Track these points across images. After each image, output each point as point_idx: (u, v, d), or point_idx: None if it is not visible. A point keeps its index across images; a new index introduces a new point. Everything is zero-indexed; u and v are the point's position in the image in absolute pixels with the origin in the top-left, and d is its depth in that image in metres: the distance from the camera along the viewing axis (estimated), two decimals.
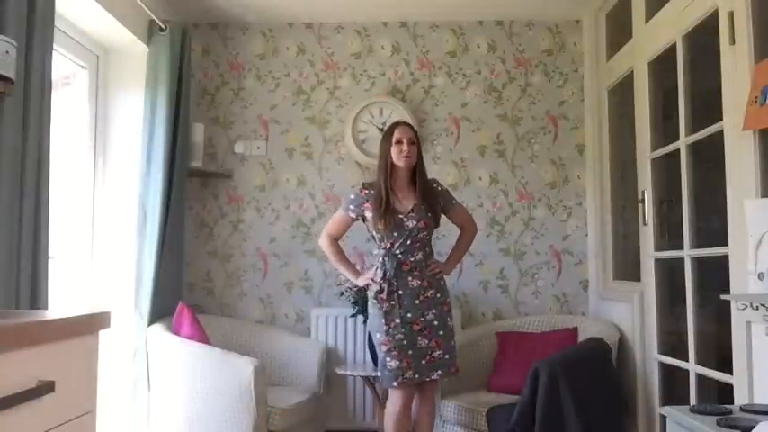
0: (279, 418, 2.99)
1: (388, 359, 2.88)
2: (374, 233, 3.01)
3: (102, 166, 3.43)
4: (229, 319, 3.84)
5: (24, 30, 2.19)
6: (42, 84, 2.27)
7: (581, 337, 3.42)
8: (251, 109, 4.10)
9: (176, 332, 3.21)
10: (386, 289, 2.90)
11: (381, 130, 3.97)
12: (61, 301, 2.98)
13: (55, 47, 2.42)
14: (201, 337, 3.22)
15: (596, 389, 2.95)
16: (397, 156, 2.95)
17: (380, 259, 2.96)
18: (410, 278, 2.92)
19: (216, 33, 4.13)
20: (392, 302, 2.91)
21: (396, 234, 2.92)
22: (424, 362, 2.88)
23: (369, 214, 2.98)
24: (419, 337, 2.88)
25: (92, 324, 1.40)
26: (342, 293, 3.75)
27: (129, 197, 3.42)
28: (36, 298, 2.25)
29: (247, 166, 4.07)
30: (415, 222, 2.92)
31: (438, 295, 2.95)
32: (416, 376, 2.87)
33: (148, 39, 3.47)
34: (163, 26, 3.46)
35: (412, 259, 2.93)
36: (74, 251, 3.21)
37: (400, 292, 2.91)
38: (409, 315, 2.89)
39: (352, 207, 3.05)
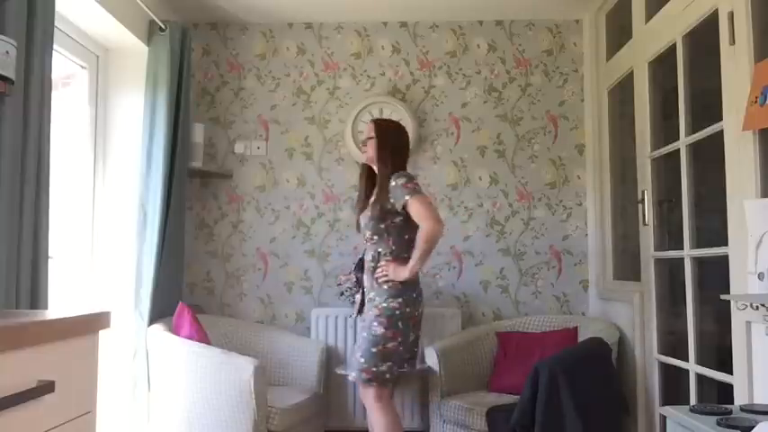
0: (279, 418, 2.99)
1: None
2: None
3: (103, 166, 3.43)
4: (229, 319, 3.84)
5: (24, 30, 2.19)
6: (42, 84, 2.27)
7: (581, 337, 3.42)
8: (251, 109, 4.10)
9: (176, 332, 3.21)
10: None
11: None
12: (61, 301, 2.98)
13: (55, 47, 2.42)
14: (202, 337, 3.22)
15: (596, 389, 2.95)
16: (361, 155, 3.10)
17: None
18: (366, 277, 3.00)
19: (216, 33, 4.13)
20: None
21: (360, 233, 3.05)
22: (353, 359, 2.93)
23: None
24: (359, 334, 2.97)
25: (92, 324, 1.40)
26: (342, 294, 3.75)
27: (129, 197, 3.42)
28: (36, 298, 2.25)
29: (247, 166, 4.07)
30: (364, 222, 2.98)
31: (376, 298, 2.88)
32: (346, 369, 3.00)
33: (148, 39, 3.47)
34: (163, 26, 3.46)
35: (367, 258, 2.99)
36: (74, 251, 3.21)
37: (363, 288, 3.03)
38: (361, 314, 3.02)
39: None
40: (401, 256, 2.88)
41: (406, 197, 2.82)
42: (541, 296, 3.98)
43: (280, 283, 4.01)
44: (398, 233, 2.90)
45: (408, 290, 2.87)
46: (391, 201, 2.86)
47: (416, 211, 2.81)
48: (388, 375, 2.82)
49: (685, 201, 2.76)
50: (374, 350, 2.81)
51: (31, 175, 2.22)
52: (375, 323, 2.83)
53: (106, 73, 3.46)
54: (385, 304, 2.84)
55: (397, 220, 2.89)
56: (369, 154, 3.00)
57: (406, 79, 4.09)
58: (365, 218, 2.95)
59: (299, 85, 4.10)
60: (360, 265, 3.05)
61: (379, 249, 2.91)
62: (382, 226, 2.88)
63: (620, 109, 3.70)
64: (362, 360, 2.82)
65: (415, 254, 2.80)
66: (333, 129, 4.08)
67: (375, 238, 2.90)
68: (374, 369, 2.81)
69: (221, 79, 4.12)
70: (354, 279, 3.62)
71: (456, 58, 4.10)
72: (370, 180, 3.04)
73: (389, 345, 2.82)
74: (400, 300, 2.84)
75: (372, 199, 2.94)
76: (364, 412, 3.82)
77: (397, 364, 2.84)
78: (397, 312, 2.83)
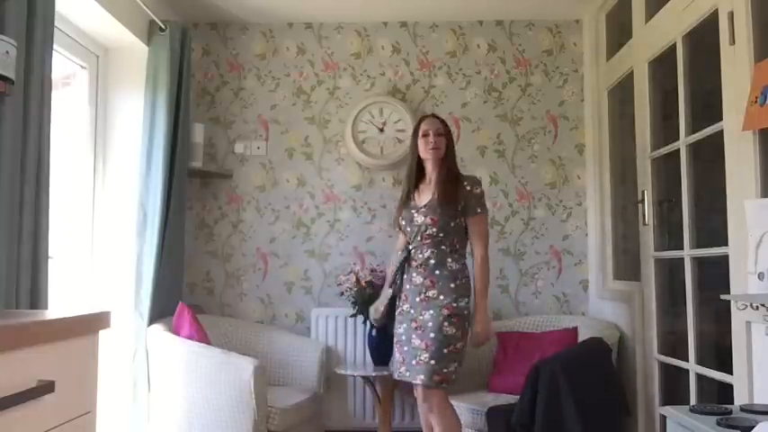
0: (279, 418, 2.99)
1: (394, 350, 2.92)
2: None
3: (103, 166, 3.43)
4: (229, 319, 3.84)
5: (24, 30, 2.19)
6: (42, 84, 2.27)
7: (581, 337, 3.42)
8: (251, 109, 4.10)
9: (176, 332, 3.21)
10: (398, 283, 2.93)
11: (381, 130, 3.99)
12: (61, 301, 2.98)
13: (55, 47, 2.42)
14: (201, 337, 3.22)
15: (596, 389, 2.95)
16: (424, 149, 2.89)
17: (398, 253, 2.98)
18: (415, 274, 2.86)
19: (216, 33, 4.13)
20: (401, 296, 2.93)
21: (408, 229, 2.90)
22: (414, 362, 2.77)
23: None
24: (413, 335, 2.80)
25: (92, 324, 1.40)
26: (342, 293, 3.75)
27: (129, 197, 3.42)
28: (36, 298, 2.25)
29: (247, 166, 4.07)
30: (422, 218, 2.84)
31: (441, 297, 2.79)
32: (408, 374, 2.80)
33: (148, 39, 3.47)
34: (163, 26, 3.46)
35: (420, 256, 2.85)
36: (74, 251, 3.21)
37: (407, 286, 2.89)
38: (412, 311, 2.84)
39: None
40: (464, 257, 2.89)
41: (479, 210, 2.88)
42: (541, 296, 3.97)
43: (280, 283, 4.01)
44: (462, 234, 2.90)
45: (470, 289, 2.87)
46: (462, 203, 2.86)
47: (480, 228, 2.89)
48: (454, 376, 2.77)
49: (685, 201, 2.76)
50: (446, 351, 2.73)
51: (31, 175, 2.22)
52: (446, 323, 2.74)
53: (106, 73, 3.46)
54: (455, 304, 2.78)
55: (461, 221, 2.88)
56: (441, 150, 2.90)
57: (406, 79, 4.09)
58: (424, 214, 2.85)
59: (299, 85, 4.10)
60: (407, 263, 2.90)
61: (443, 246, 2.84)
62: (452, 224, 2.85)
63: (620, 109, 3.70)
64: (433, 362, 2.71)
65: (481, 288, 2.85)
66: (333, 129, 4.07)
67: (441, 235, 2.83)
68: (445, 370, 2.73)
69: (221, 79, 4.12)
70: (355, 279, 3.63)
71: (456, 58, 4.10)
72: (421, 175, 2.97)
73: (458, 345, 2.77)
74: (467, 299, 2.83)
75: (438, 195, 2.85)
76: (364, 412, 3.84)
77: (461, 364, 2.81)
78: (466, 312, 2.82)
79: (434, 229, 2.83)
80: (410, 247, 2.90)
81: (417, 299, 2.84)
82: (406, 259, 2.90)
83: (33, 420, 1.17)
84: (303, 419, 3.22)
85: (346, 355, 3.83)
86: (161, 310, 3.35)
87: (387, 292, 3.00)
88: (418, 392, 2.82)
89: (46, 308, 2.30)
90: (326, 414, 3.75)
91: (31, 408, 1.15)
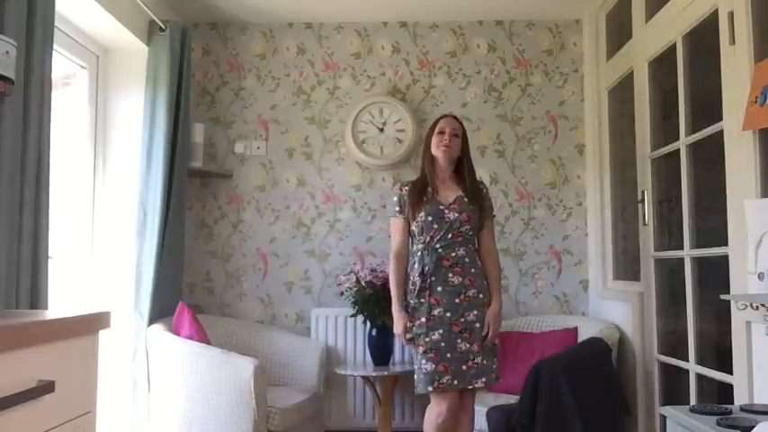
0: (279, 418, 2.99)
1: (423, 361, 2.67)
2: (413, 228, 2.82)
3: (103, 165, 3.43)
4: (229, 319, 3.84)
5: (24, 30, 2.19)
6: (42, 84, 2.27)
7: (581, 337, 3.42)
8: (251, 109, 4.10)
9: (176, 332, 3.21)
10: (418, 285, 2.73)
11: (381, 130, 3.99)
12: (61, 301, 2.98)
13: (55, 47, 2.42)
14: (201, 337, 3.22)
15: (596, 389, 2.95)
16: (437, 145, 2.82)
17: (419, 254, 2.77)
18: (451, 275, 2.72)
19: (216, 33, 4.13)
20: (421, 300, 2.72)
21: (436, 226, 2.75)
22: (465, 367, 2.66)
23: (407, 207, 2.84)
24: (458, 340, 2.67)
25: (92, 324, 1.40)
26: (342, 293, 3.75)
27: (129, 197, 3.42)
28: (36, 298, 2.25)
29: (247, 166, 4.07)
30: (456, 215, 2.75)
31: (481, 296, 2.74)
32: (455, 382, 2.65)
33: (148, 39, 3.47)
34: (163, 26, 3.46)
35: (453, 254, 2.73)
36: (74, 251, 3.21)
37: (438, 288, 2.72)
38: (448, 315, 2.69)
39: (398, 209, 2.86)
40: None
41: (493, 213, 2.95)
42: (541, 296, 3.97)
43: (280, 283, 4.01)
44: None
45: None
46: (483, 204, 2.88)
47: (492, 231, 2.93)
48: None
49: (685, 201, 2.76)
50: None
51: (31, 175, 2.22)
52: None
53: (106, 73, 3.46)
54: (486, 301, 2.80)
55: (481, 221, 2.88)
56: (454, 150, 2.84)
57: (406, 79, 4.09)
58: (457, 210, 2.76)
59: (299, 85, 4.10)
60: (438, 264, 2.72)
61: (470, 245, 2.80)
62: (478, 223, 2.84)
63: (620, 109, 3.70)
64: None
65: (497, 288, 2.82)
66: (333, 129, 4.07)
67: (471, 233, 2.80)
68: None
69: (221, 79, 4.12)
70: (355, 279, 3.62)
71: (456, 58, 4.10)
72: (434, 173, 2.87)
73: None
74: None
75: (470, 193, 2.81)
76: (364, 412, 3.84)
77: None
78: None
79: (468, 227, 2.78)
80: (436, 246, 2.74)
81: (456, 300, 2.71)
82: (439, 259, 2.73)
83: (33, 420, 1.17)
84: (303, 419, 3.22)
85: (346, 355, 3.83)
86: (161, 310, 3.35)
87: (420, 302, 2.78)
88: (468, 397, 2.75)
89: (46, 308, 2.30)
90: (326, 414, 3.75)
91: (31, 408, 1.15)
